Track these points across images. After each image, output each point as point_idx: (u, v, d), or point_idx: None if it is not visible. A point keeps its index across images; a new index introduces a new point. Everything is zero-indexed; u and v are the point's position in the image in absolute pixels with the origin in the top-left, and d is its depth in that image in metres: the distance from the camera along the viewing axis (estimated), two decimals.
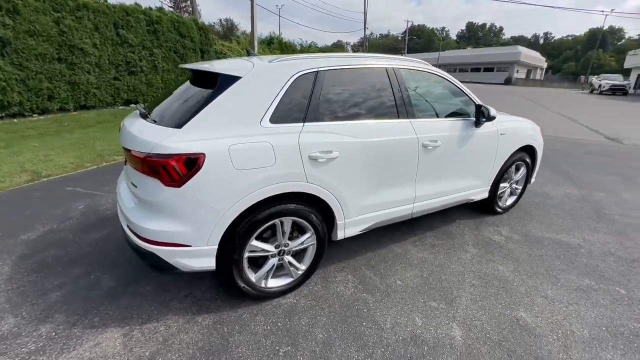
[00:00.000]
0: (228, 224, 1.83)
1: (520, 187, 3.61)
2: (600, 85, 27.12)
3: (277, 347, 1.82)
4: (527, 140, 3.31)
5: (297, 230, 2.18)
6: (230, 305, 2.12)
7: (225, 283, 2.14)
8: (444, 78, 2.76)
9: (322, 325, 1.99)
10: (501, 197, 3.47)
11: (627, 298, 2.29)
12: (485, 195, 3.21)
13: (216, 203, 1.77)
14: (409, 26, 61.39)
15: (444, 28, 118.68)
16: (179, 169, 1.67)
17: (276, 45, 20.85)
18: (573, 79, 67.69)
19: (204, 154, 1.70)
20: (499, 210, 3.49)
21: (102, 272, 2.42)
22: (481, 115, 2.74)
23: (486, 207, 3.42)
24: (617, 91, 26.07)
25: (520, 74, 53.27)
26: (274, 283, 2.18)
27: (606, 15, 43.60)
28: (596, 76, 31.07)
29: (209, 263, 1.87)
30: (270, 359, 1.74)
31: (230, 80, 1.85)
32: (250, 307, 2.11)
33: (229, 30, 32.78)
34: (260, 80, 1.93)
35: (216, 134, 1.77)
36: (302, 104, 2.02)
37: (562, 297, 2.28)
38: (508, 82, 47.55)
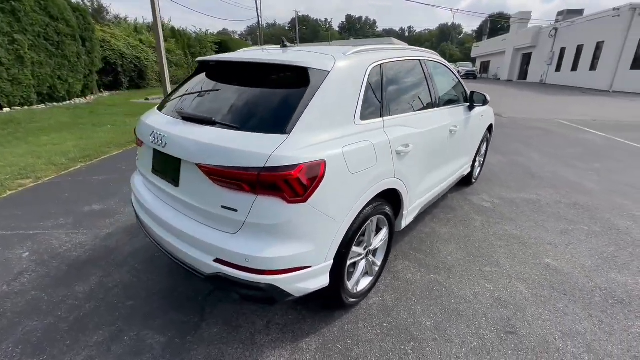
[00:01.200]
0: (343, 234, 1.67)
1: (484, 159, 4.31)
2: (458, 72, 33.61)
3: (402, 347, 1.80)
4: (491, 119, 3.97)
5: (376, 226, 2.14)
6: (322, 321, 1.96)
7: (330, 297, 1.89)
8: (448, 68, 3.04)
9: (422, 312, 2.04)
10: (474, 169, 4.08)
11: (591, 232, 3.08)
12: (469, 169, 3.73)
13: (335, 213, 1.59)
14: (295, 16, 62.62)
15: (326, 19, 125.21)
16: (303, 181, 1.43)
17: (168, 33, 18.43)
18: None
19: (324, 161, 1.50)
20: (474, 181, 4.11)
21: (134, 329, 1.87)
22: (476, 101, 3.15)
23: (464, 180, 3.97)
24: (469, 76, 32.71)
25: None
26: (361, 285, 2.10)
27: (454, 13, 53.26)
28: (454, 64, 38.33)
29: (324, 281, 1.68)
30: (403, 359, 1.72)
31: (321, 75, 1.64)
32: (343, 318, 1.99)
33: (96, 12, 27.04)
34: (348, 74, 1.77)
35: (323, 136, 1.57)
36: (377, 98, 1.96)
37: (558, 241, 2.91)
38: None
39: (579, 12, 25.68)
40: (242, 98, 1.77)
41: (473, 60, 40.60)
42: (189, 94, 2.05)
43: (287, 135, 1.46)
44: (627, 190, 4.12)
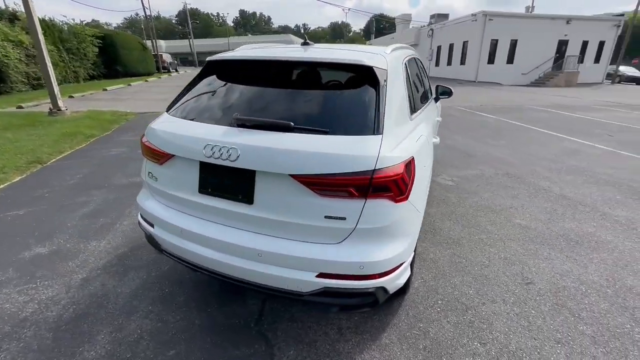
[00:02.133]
0: (420, 225, 1.75)
1: None
2: None
3: (464, 317, 2.00)
4: (439, 108, 4.55)
5: None
6: (386, 314, 2.01)
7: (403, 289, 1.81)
8: (423, 64, 3.35)
9: (460, 283, 2.29)
10: None
11: (530, 194, 3.88)
12: None
13: (420, 205, 1.66)
14: (186, 9, 57.43)
15: (219, 14, 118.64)
16: (405, 180, 1.45)
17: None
18: None
19: (413, 157, 1.54)
20: None
21: None
22: (442, 94, 3.57)
23: None
24: None
25: None
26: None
27: (346, 12, 57.10)
28: None
29: (408, 273, 1.73)
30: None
31: (383, 73, 1.65)
32: (402, 306, 2.08)
33: None
34: (397, 71, 1.82)
35: (401, 133, 1.61)
36: (410, 95, 2.07)
37: (515, 204, 3.59)
38: None
39: (445, 16, 30.86)
40: (312, 100, 1.65)
41: None
42: (219, 98, 1.79)
43: (380, 135, 1.44)
44: (533, 159, 5.30)
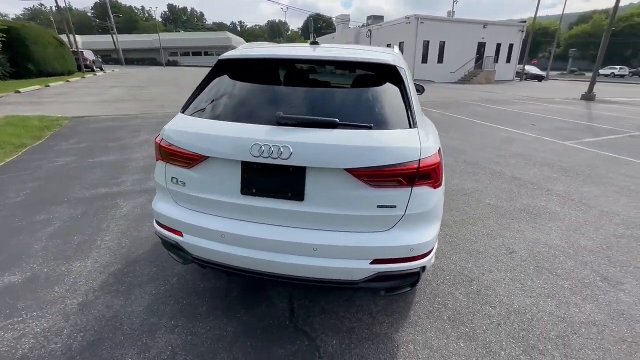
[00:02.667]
0: None
1: None
2: None
3: (471, 286, 2.27)
4: None
5: None
6: (408, 293, 2.19)
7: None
8: None
9: (474, 264, 2.57)
10: None
11: (488, 177, 4.42)
12: None
13: (444, 190, 1.83)
14: (101, 0, 51.62)
15: (143, 7, 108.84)
16: (441, 167, 1.61)
17: None
18: None
19: (439, 147, 1.71)
20: None
21: None
22: (417, 91, 3.87)
23: None
24: None
25: None
26: None
27: (285, 10, 56.86)
28: None
29: (434, 251, 1.91)
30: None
31: (402, 71, 1.79)
32: (422, 283, 2.28)
33: None
34: (408, 70, 1.98)
35: (424, 125, 1.76)
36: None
37: (479, 187, 4.07)
38: None
39: (381, 18, 32.71)
40: (346, 97, 1.73)
41: None
42: (244, 97, 1.76)
43: (416, 128, 1.59)
44: (482, 147, 6.01)
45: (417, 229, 1.58)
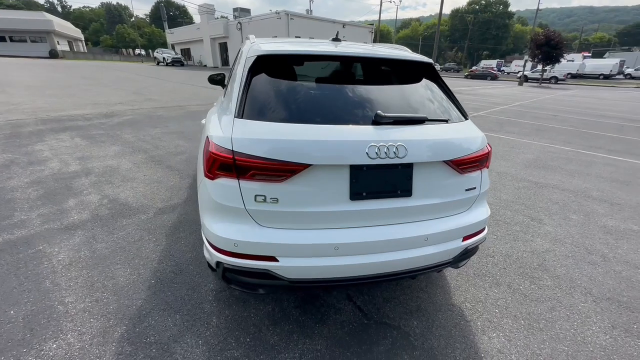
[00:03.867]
0: None
1: None
2: (164, 58, 32.36)
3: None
4: None
5: None
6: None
7: None
8: None
9: None
10: None
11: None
12: None
13: None
14: None
15: None
16: None
17: None
18: (115, 51, 71.97)
19: None
20: None
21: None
22: None
23: None
24: (176, 63, 32.51)
25: (63, 46, 47.94)
26: None
27: None
28: (157, 50, 36.01)
29: None
30: None
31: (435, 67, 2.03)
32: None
33: None
34: None
35: None
36: None
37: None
38: (54, 55, 41.75)
39: (248, 10, 32.16)
40: (409, 93, 1.81)
41: (172, 47, 40.24)
42: (308, 96, 1.63)
43: (469, 119, 1.86)
44: None
45: (484, 205, 1.87)
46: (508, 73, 39.67)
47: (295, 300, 2.05)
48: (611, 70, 39.65)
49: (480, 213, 1.81)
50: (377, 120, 1.52)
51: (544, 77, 29.95)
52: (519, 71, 45.50)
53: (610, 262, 2.62)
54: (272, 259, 1.46)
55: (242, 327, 1.84)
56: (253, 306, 1.99)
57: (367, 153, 1.42)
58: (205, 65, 35.92)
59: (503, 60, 55.30)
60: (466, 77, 33.63)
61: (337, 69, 1.97)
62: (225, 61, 34.37)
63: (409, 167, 1.54)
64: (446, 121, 1.72)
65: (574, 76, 38.55)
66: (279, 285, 1.53)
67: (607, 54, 56.83)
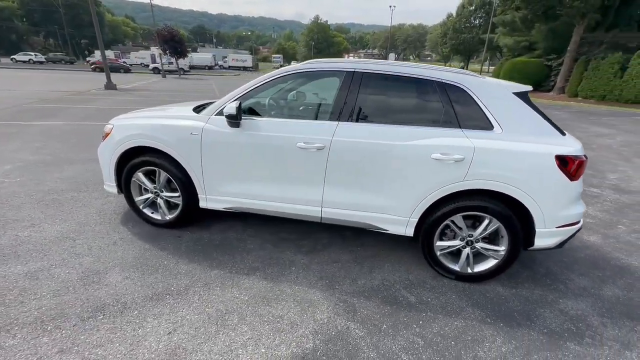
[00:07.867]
0: None
1: None
2: None
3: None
4: None
5: None
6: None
7: None
8: None
9: None
10: None
11: None
12: None
13: None
14: None
15: None
16: None
17: None
18: None
19: None
20: None
21: None
22: None
23: None
24: None
25: None
26: None
27: None
28: None
29: None
30: None
31: None
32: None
33: None
34: None
35: None
36: None
37: None
38: None
39: None
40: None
41: None
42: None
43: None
44: None
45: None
46: (131, 65, 38.55)
47: None
48: (211, 62, 50.26)
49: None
50: None
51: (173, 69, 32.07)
52: (141, 63, 45.89)
53: None
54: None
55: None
56: None
57: None
58: None
59: (120, 52, 52.42)
60: (94, 69, 28.92)
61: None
62: None
63: None
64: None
65: (192, 67, 44.71)
66: None
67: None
